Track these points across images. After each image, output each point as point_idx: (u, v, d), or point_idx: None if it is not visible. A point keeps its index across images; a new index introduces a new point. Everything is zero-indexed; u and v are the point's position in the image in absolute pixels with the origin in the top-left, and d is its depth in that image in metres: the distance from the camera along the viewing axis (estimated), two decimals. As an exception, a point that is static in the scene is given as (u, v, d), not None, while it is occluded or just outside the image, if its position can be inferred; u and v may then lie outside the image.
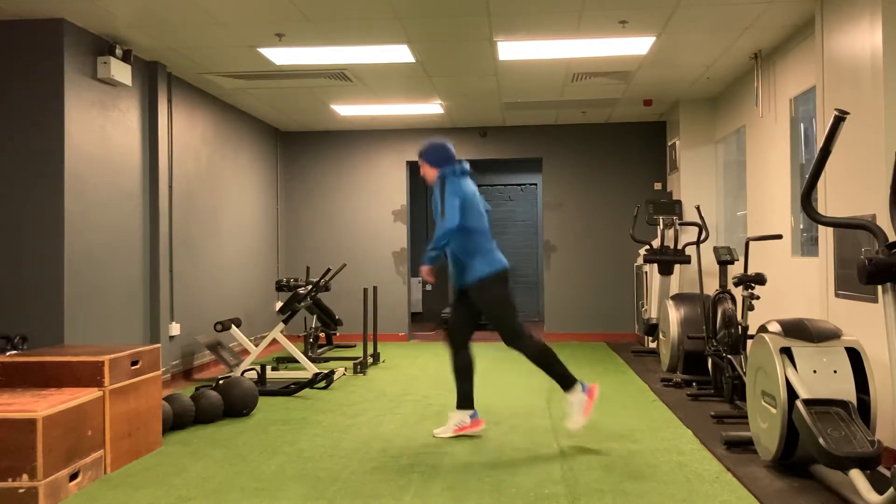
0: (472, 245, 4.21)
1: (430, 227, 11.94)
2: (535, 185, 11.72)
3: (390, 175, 9.12)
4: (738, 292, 6.40)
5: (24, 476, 3.12)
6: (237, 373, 6.02)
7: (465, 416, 4.34)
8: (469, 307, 4.32)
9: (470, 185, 4.29)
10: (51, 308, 4.86)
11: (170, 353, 6.15)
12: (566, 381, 4.21)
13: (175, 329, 6.22)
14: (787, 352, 3.42)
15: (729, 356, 4.88)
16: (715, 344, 5.17)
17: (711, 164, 7.70)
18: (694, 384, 5.61)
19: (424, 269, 4.24)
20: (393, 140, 9.14)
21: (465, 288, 4.29)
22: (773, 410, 3.39)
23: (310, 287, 6.53)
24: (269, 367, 6.41)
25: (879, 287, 2.47)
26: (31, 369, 3.69)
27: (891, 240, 2.43)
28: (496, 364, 7.07)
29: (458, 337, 4.34)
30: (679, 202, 7.68)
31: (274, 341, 6.40)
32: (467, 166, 4.32)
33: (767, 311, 5.79)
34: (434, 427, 4.53)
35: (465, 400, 4.34)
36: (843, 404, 3.12)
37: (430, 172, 4.34)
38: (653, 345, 7.74)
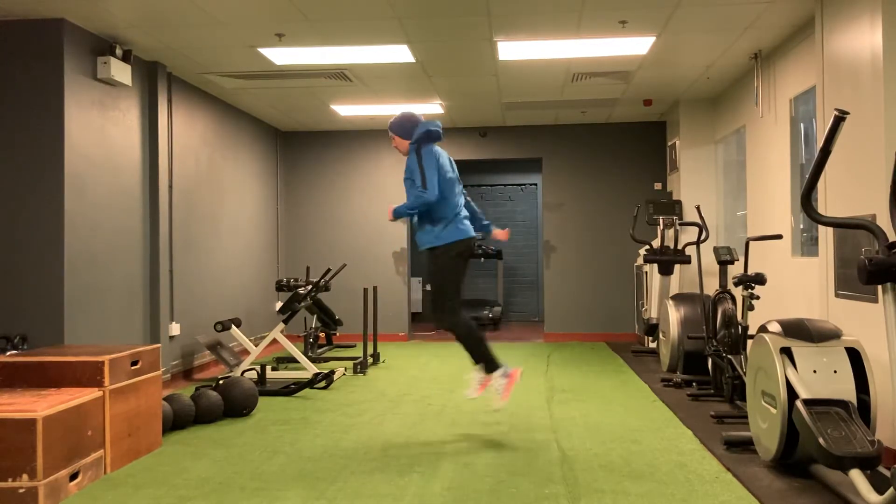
0: (438, 213, 4.26)
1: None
2: (535, 185, 11.72)
3: (390, 175, 9.12)
4: (738, 292, 6.40)
5: (24, 476, 3.12)
6: (237, 373, 6.02)
7: (499, 376, 4.25)
8: None
9: (442, 153, 4.36)
10: (51, 308, 4.86)
11: (170, 353, 6.15)
12: (489, 365, 4.25)
13: (175, 329, 6.22)
14: (787, 352, 3.42)
15: (729, 356, 4.88)
16: (715, 344, 5.17)
17: (711, 164, 7.70)
18: (694, 384, 5.61)
19: (391, 214, 4.32)
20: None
21: (424, 249, 4.34)
22: (773, 410, 3.39)
23: (310, 287, 6.53)
24: (269, 367, 6.41)
25: (879, 287, 2.47)
26: (31, 369, 3.69)
27: (891, 240, 2.43)
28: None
29: (447, 305, 4.27)
30: (679, 202, 7.68)
31: (274, 341, 6.40)
32: (439, 129, 4.37)
33: (767, 311, 5.78)
34: (435, 427, 4.53)
35: (490, 363, 4.27)
36: (843, 404, 3.12)
37: (402, 144, 4.41)
38: (653, 345, 7.74)
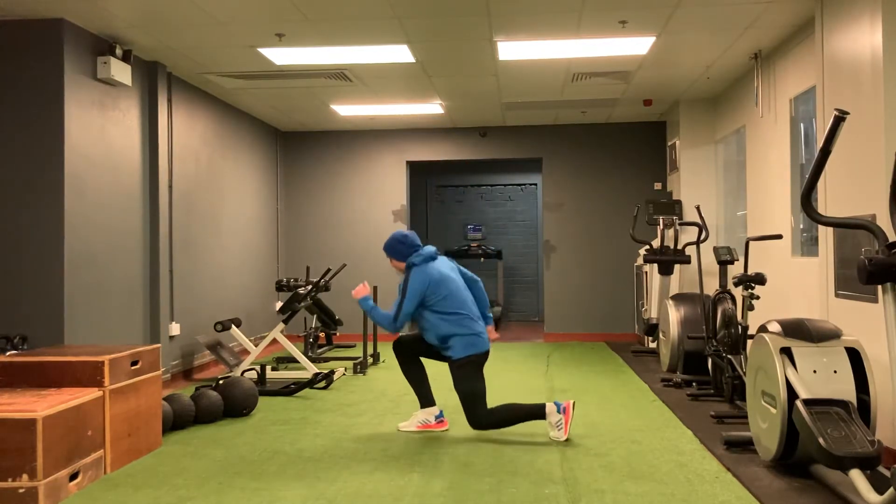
0: (449, 328, 4.25)
1: (431, 228, 11.95)
2: (535, 185, 11.71)
3: (390, 175, 9.12)
4: (738, 292, 6.40)
5: (24, 476, 3.12)
6: (237, 373, 6.02)
7: (429, 415, 4.45)
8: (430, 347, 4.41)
9: (439, 268, 4.33)
10: (51, 308, 4.86)
11: (170, 353, 6.15)
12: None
13: (175, 329, 6.22)
14: (787, 352, 3.42)
15: (729, 356, 4.88)
16: (715, 344, 5.16)
17: (711, 164, 7.70)
18: (694, 384, 5.61)
19: (356, 295, 4.39)
20: (393, 140, 9.14)
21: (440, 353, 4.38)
22: (773, 410, 3.38)
23: (310, 287, 6.53)
24: (269, 367, 6.41)
25: (879, 287, 2.47)
26: (31, 369, 3.69)
27: (891, 240, 2.43)
28: (496, 365, 7.07)
29: (409, 349, 4.45)
30: (679, 202, 7.68)
31: (274, 341, 6.39)
32: (433, 249, 4.39)
33: (767, 311, 5.78)
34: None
35: (425, 400, 4.47)
36: (843, 404, 3.12)
37: (398, 265, 4.44)
38: (653, 345, 7.74)
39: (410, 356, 4.47)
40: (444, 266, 4.41)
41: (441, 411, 4.50)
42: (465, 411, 4.25)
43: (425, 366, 4.54)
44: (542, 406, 4.18)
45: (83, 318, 5.07)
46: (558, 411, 4.15)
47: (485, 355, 4.30)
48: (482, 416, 4.21)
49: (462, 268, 4.58)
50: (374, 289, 7.32)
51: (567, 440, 4.14)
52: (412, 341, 4.45)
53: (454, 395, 5.53)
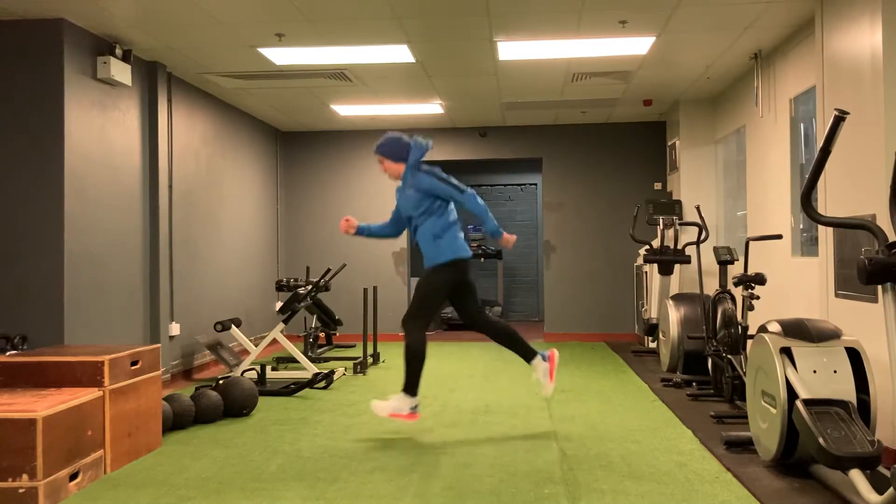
0: (443, 225, 4.29)
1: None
2: (535, 185, 11.72)
3: (390, 175, 9.11)
4: (738, 292, 6.40)
5: (24, 476, 3.12)
6: (237, 373, 6.02)
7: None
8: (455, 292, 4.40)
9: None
10: (51, 308, 4.86)
11: (170, 353, 6.15)
12: (410, 390, 4.29)
13: (175, 329, 6.22)
14: (787, 352, 3.42)
15: (729, 356, 4.88)
16: (715, 344, 5.16)
17: (711, 164, 7.70)
18: (694, 384, 5.61)
19: (510, 238, 4.35)
20: (393, 140, 9.12)
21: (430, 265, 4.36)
22: (773, 410, 3.38)
23: (310, 287, 6.53)
24: (269, 367, 6.41)
25: (879, 287, 2.47)
26: (31, 369, 3.69)
27: (891, 240, 2.43)
28: (496, 364, 7.07)
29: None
30: (679, 202, 7.68)
31: (274, 341, 6.40)
32: (426, 151, 4.35)
33: (767, 311, 5.78)
34: (435, 427, 4.53)
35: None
36: (843, 404, 3.12)
37: (394, 167, 4.37)
38: (653, 345, 7.74)
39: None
40: None
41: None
42: (409, 309, 4.26)
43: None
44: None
45: (83, 318, 5.07)
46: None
47: (467, 264, 4.30)
48: (413, 324, 4.21)
49: None
50: (374, 289, 7.34)
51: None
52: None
53: (455, 395, 5.53)
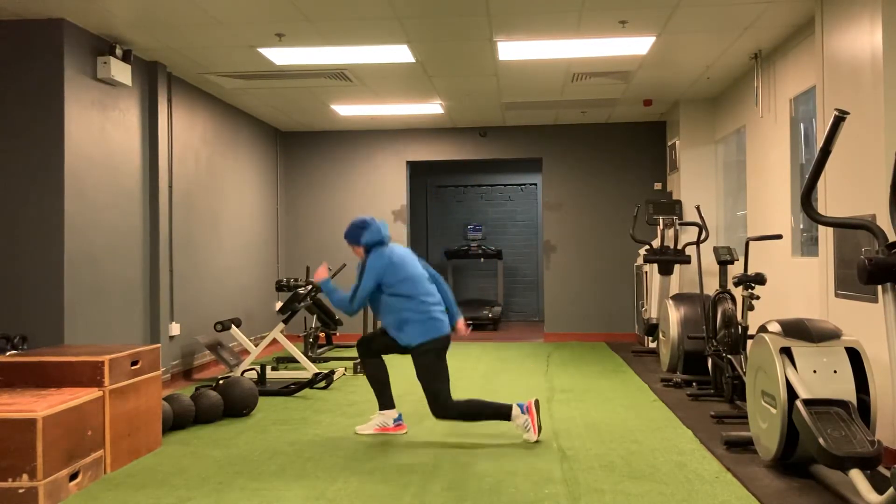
0: (406, 312, 4.19)
1: (430, 228, 11.95)
2: (535, 185, 11.71)
3: (390, 175, 9.12)
4: (738, 292, 6.40)
5: (24, 476, 3.12)
6: (237, 373, 6.02)
7: (388, 418, 4.40)
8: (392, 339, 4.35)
9: (398, 251, 4.30)
10: (51, 308, 4.86)
11: (170, 353, 6.15)
12: (382, 402, 4.41)
13: (175, 329, 6.22)
14: (787, 352, 3.42)
15: (729, 356, 4.88)
16: (715, 344, 5.16)
17: (711, 164, 7.70)
18: (694, 384, 5.61)
19: (317, 278, 4.38)
20: (393, 140, 9.14)
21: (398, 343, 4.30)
22: (773, 410, 3.38)
23: (310, 287, 6.53)
24: (269, 367, 6.41)
25: (879, 287, 2.47)
26: (31, 369, 3.69)
27: (891, 240, 2.43)
28: (496, 364, 7.07)
29: (371, 347, 4.37)
30: (679, 202, 7.68)
31: (274, 341, 6.40)
32: (379, 232, 4.30)
33: (767, 311, 5.78)
34: (435, 427, 4.53)
35: (384, 402, 4.41)
36: (843, 404, 3.12)
37: (358, 251, 4.37)
38: (653, 345, 7.74)
39: (374, 354, 4.37)
40: (405, 251, 4.37)
41: (400, 414, 4.44)
42: (427, 401, 4.20)
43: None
44: (509, 408, 4.12)
45: (83, 318, 5.07)
46: (522, 412, 4.12)
47: (444, 340, 4.21)
48: (444, 406, 4.14)
49: (428, 265, 4.50)
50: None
51: (538, 441, 4.12)
52: (375, 337, 4.36)
53: (455, 395, 5.53)
